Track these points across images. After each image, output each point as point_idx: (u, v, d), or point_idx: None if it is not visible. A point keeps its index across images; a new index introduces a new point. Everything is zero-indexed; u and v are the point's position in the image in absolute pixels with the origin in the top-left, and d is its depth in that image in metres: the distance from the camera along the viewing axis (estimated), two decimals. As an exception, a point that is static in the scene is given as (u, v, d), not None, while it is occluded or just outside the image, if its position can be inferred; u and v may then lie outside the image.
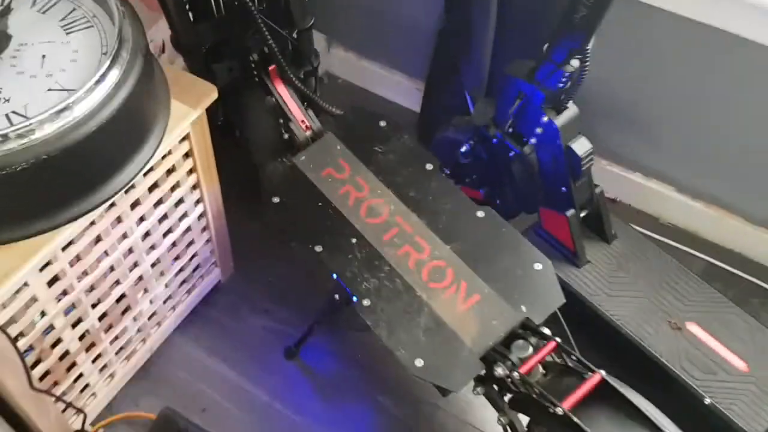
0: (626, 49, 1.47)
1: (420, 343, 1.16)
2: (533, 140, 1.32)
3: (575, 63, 1.18)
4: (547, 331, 1.15)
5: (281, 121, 1.37)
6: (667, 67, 1.45)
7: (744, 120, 1.45)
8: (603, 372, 1.06)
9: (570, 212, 1.37)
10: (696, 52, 1.39)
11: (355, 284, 1.22)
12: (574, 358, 1.11)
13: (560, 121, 1.25)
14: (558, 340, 1.12)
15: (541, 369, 1.15)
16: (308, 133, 1.37)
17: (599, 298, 1.39)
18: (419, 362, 1.14)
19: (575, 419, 1.02)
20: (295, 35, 1.28)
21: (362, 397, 1.45)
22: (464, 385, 1.13)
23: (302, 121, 1.36)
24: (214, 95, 1.17)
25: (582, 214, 1.41)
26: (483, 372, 1.14)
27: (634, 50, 1.46)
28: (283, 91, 1.35)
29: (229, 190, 1.42)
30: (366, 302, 1.20)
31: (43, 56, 1.03)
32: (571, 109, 1.26)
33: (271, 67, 1.33)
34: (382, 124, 1.40)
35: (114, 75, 0.99)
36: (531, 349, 1.13)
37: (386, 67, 1.85)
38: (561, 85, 1.20)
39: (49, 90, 0.99)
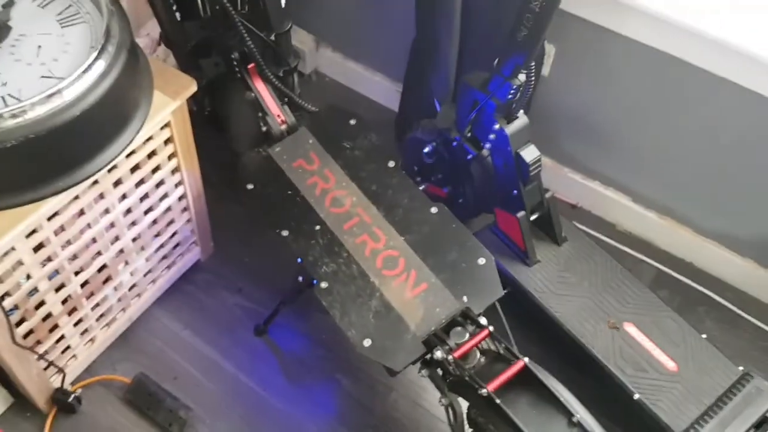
0: (588, 70, 1.57)
1: (369, 325, 1.27)
2: (488, 145, 1.42)
3: (522, 77, 1.28)
4: (483, 320, 1.25)
5: (260, 114, 1.48)
6: (624, 87, 1.55)
7: (694, 140, 1.54)
8: (526, 359, 1.17)
9: (520, 214, 1.47)
10: (650, 75, 1.49)
11: (315, 268, 1.33)
12: (503, 346, 1.22)
13: (510, 129, 1.36)
14: (491, 329, 1.23)
15: (478, 355, 1.26)
16: (283, 126, 1.48)
17: (545, 295, 1.49)
18: (367, 342, 1.25)
19: (497, 400, 1.13)
20: (273, 38, 1.39)
21: (323, 375, 1.56)
22: (406, 365, 1.24)
23: (278, 116, 1.47)
24: (194, 88, 1.29)
25: (533, 217, 1.52)
26: (425, 355, 1.25)
27: (596, 71, 1.56)
28: (261, 87, 1.47)
29: (212, 174, 1.54)
30: (324, 285, 1.31)
31: (39, 47, 1.14)
32: (521, 119, 1.37)
33: (251, 65, 1.45)
34: (352, 122, 1.51)
35: (100, 66, 1.10)
36: (467, 335, 1.24)
37: (369, 68, 1.96)
38: (510, 96, 1.31)
39: (42, 77, 1.11)
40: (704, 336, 1.44)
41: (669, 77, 1.47)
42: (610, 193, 1.76)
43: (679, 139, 1.56)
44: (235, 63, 1.46)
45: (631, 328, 1.45)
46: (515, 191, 1.45)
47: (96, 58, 1.10)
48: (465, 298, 1.29)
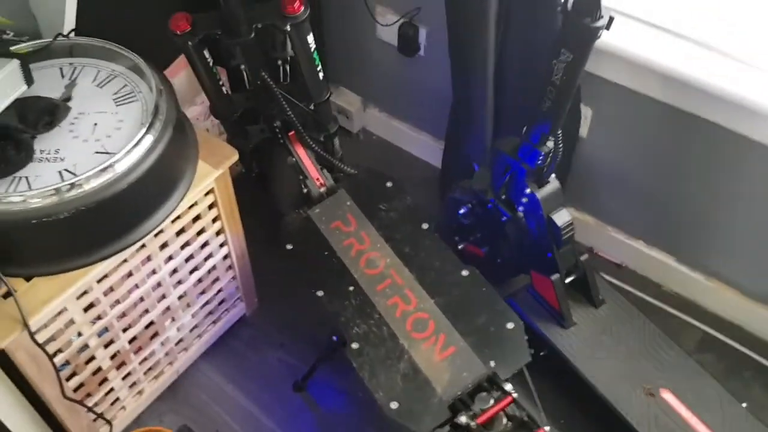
0: (625, 131, 1.58)
1: (397, 387, 1.30)
2: (521, 208, 1.45)
3: (550, 144, 1.30)
4: (508, 386, 1.26)
5: (301, 177, 1.56)
6: (662, 148, 1.55)
7: (738, 202, 1.52)
8: (547, 428, 1.17)
9: (555, 276, 1.48)
10: (686, 137, 1.49)
11: (347, 328, 1.38)
12: (525, 413, 1.22)
13: (541, 194, 1.38)
14: (515, 395, 1.24)
15: (505, 420, 1.27)
16: (323, 189, 1.55)
17: (580, 358, 1.48)
18: (394, 404, 1.28)
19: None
20: (313, 107, 1.47)
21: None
22: (431, 429, 1.26)
23: (317, 179, 1.54)
24: (235, 158, 1.37)
25: (569, 279, 1.52)
26: (450, 419, 1.27)
27: (633, 133, 1.57)
28: (301, 152, 1.54)
29: (258, 231, 1.61)
30: (354, 345, 1.35)
31: (95, 124, 1.25)
32: (553, 184, 1.39)
33: (291, 132, 1.53)
34: (389, 184, 1.57)
35: (148, 141, 1.20)
36: (492, 401, 1.25)
37: (414, 127, 2.02)
38: (539, 162, 1.33)
39: (96, 152, 1.21)
40: (744, 405, 1.40)
41: (705, 140, 1.46)
42: (654, 254, 1.74)
43: (722, 201, 1.54)
44: (277, 130, 1.54)
45: (667, 395, 1.42)
46: (549, 254, 1.46)
47: (144, 134, 1.19)
48: (492, 363, 1.30)
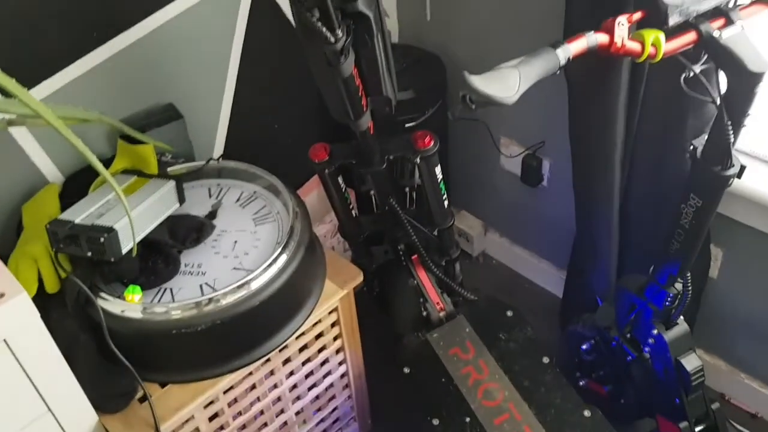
0: (759, 274, 1.51)
1: None
2: (647, 349, 1.39)
3: (678, 286, 1.27)
4: None
5: (421, 300, 1.58)
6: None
7: None
8: None
9: (683, 424, 1.39)
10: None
11: (462, 461, 1.34)
12: None
13: (669, 336, 1.33)
14: None
15: None
16: (442, 313, 1.56)
17: None
18: None
19: None
20: (436, 232, 1.51)
21: None
22: None
23: (437, 303, 1.56)
24: (360, 279, 1.42)
25: (699, 429, 1.42)
26: None
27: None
28: (423, 276, 1.57)
29: (373, 352, 1.63)
30: (469, 481, 1.31)
31: (235, 242, 1.34)
32: (681, 326, 1.33)
33: (414, 256, 1.57)
34: (509, 313, 1.56)
35: (282, 260, 1.27)
36: None
37: (534, 254, 2.01)
38: (667, 303, 1.29)
39: (234, 269, 1.29)
40: None
41: None
42: (794, 405, 1.62)
43: None
44: (401, 252, 1.59)
45: None
46: (677, 399, 1.39)
47: (279, 254, 1.27)
48: None
